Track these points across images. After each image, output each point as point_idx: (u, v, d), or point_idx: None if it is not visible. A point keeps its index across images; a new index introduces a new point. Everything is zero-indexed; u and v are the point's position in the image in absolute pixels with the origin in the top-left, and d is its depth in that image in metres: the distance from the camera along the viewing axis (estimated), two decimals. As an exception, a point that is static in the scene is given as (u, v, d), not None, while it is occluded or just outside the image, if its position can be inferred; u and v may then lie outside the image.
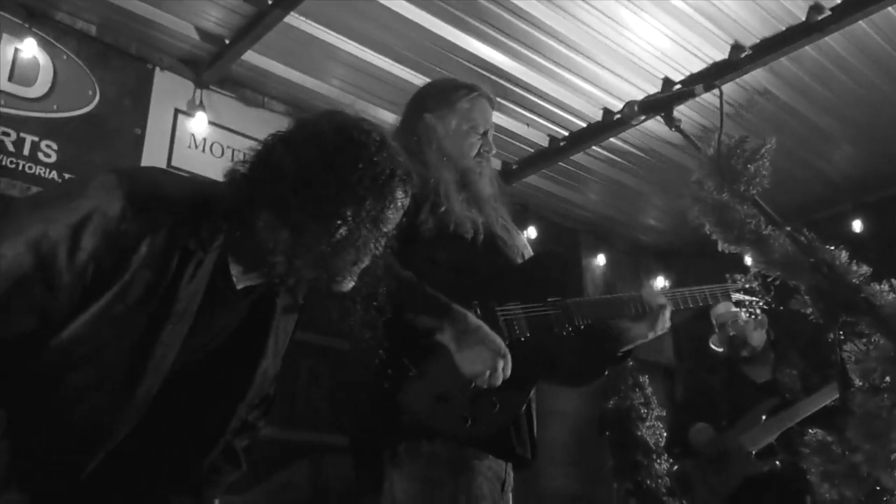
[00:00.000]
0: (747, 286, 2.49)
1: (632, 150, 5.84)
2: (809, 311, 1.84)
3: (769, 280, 1.97)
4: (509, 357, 1.87)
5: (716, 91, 2.25)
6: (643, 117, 2.39)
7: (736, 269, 7.36)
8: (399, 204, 1.58)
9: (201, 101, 4.62)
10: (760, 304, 2.50)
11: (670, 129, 2.30)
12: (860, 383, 1.67)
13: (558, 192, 6.49)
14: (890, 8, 4.21)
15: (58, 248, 1.37)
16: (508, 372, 1.87)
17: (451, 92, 2.46)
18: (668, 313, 2.27)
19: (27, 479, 1.46)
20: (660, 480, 5.37)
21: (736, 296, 2.53)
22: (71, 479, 1.50)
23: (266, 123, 4.92)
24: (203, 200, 1.51)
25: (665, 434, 5.48)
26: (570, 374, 2.21)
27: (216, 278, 1.54)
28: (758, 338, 4.47)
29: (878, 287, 1.79)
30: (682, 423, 4.51)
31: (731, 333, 4.47)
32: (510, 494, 2.13)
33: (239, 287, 1.60)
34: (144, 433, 1.56)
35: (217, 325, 1.63)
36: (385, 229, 1.56)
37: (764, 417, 4.17)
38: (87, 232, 1.39)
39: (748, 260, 7.21)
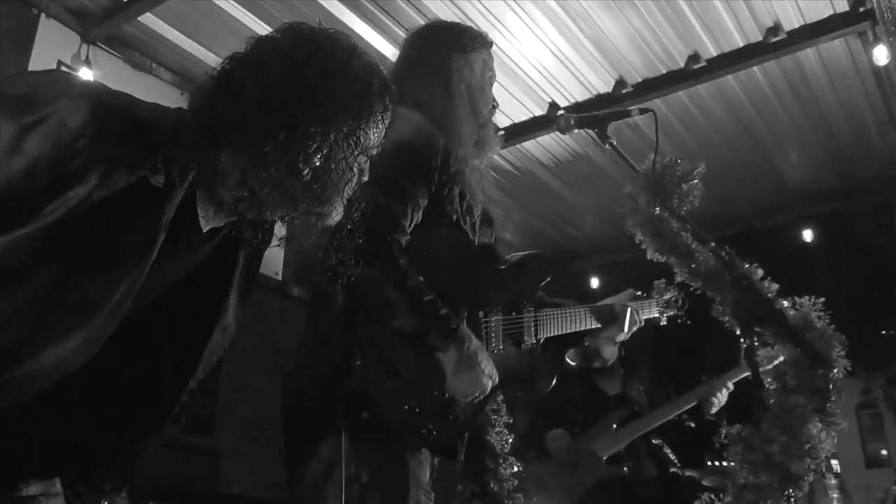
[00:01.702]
0: (669, 298, 2.66)
1: (505, 165, 6.08)
2: (726, 319, 2.07)
3: (692, 290, 2.18)
4: (497, 380, 1.92)
5: (649, 114, 2.44)
6: (576, 131, 2.52)
7: (580, 289, 7.82)
8: (379, 118, 1.39)
9: (87, 57, 4.32)
10: (671, 314, 2.68)
11: (603, 144, 2.44)
12: (773, 385, 1.90)
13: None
14: (755, 67, 4.72)
15: None
16: None
17: (475, 37, 2.29)
18: (634, 316, 2.39)
19: None
20: (504, 484, 5.59)
21: (659, 308, 2.69)
22: None
23: (153, 91, 4.68)
24: (173, 129, 1.31)
25: (510, 440, 5.72)
26: (524, 387, 2.27)
27: (181, 218, 1.34)
28: (610, 352, 4.78)
29: (784, 303, 2.05)
30: (539, 429, 4.73)
31: (587, 344, 4.74)
32: None
33: (206, 229, 1.41)
34: (86, 389, 1.35)
35: (175, 269, 1.42)
36: (365, 148, 1.38)
37: (615, 426, 4.46)
38: (34, 135, 1.15)
39: (594, 282, 7.67)
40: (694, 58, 4.74)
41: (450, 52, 2.22)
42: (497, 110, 2.38)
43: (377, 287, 1.77)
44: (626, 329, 2.46)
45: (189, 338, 1.47)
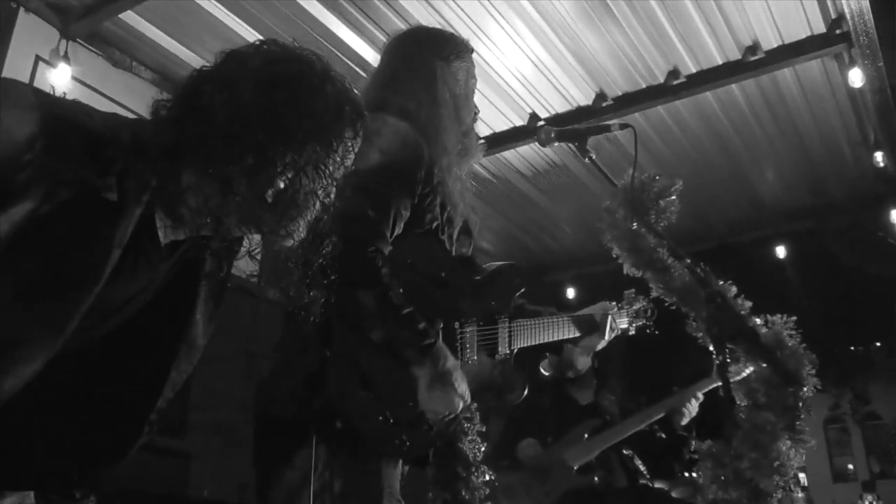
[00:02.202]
0: (639, 309, 2.68)
1: (484, 173, 6.09)
2: (700, 335, 2.09)
3: (666, 304, 2.20)
4: (469, 400, 1.91)
5: (629, 130, 2.46)
6: (557, 144, 2.54)
7: (556, 300, 7.89)
8: (349, 145, 1.35)
9: (66, 53, 4.27)
10: (640, 325, 2.70)
11: (583, 158, 2.46)
12: (745, 402, 1.92)
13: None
14: (734, 85, 4.79)
15: None
16: None
17: (458, 45, 2.26)
18: (613, 324, 2.42)
19: None
20: (476, 492, 5.59)
21: (629, 318, 2.72)
22: None
23: (131, 89, 4.65)
24: (131, 142, 1.25)
25: (483, 449, 5.73)
26: (496, 397, 2.27)
27: (140, 234, 1.28)
28: (583, 362, 4.78)
29: (757, 321, 2.08)
30: (511, 438, 4.74)
31: (562, 354, 4.76)
32: None
33: (164, 242, 1.34)
34: (49, 411, 1.32)
35: (136, 285, 1.36)
36: (333, 176, 1.34)
37: (586, 436, 4.48)
38: None
39: (570, 293, 7.70)
40: (674, 73, 4.79)
41: (434, 61, 2.20)
42: (477, 119, 2.40)
43: (357, 298, 1.76)
44: (605, 337, 2.50)
45: (155, 358, 1.43)
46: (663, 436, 4.52)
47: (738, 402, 1.94)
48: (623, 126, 2.47)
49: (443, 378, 1.86)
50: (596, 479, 4.36)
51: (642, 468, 4.48)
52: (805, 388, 1.93)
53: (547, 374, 5.00)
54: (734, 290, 2.08)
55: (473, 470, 5.25)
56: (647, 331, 2.67)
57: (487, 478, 5.12)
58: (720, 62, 4.71)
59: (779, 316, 2.07)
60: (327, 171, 1.32)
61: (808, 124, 5.35)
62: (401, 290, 1.84)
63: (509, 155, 5.72)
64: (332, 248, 1.49)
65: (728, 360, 2.04)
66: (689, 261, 2.14)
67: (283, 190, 1.28)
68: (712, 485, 1.82)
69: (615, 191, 2.30)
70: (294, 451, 1.87)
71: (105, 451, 1.43)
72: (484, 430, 6.10)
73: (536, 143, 3.83)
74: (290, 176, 1.27)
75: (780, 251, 6.37)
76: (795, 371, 1.94)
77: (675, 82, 4.83)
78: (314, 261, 1.48)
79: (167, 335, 1.43)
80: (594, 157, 2.44)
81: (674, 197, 2.22)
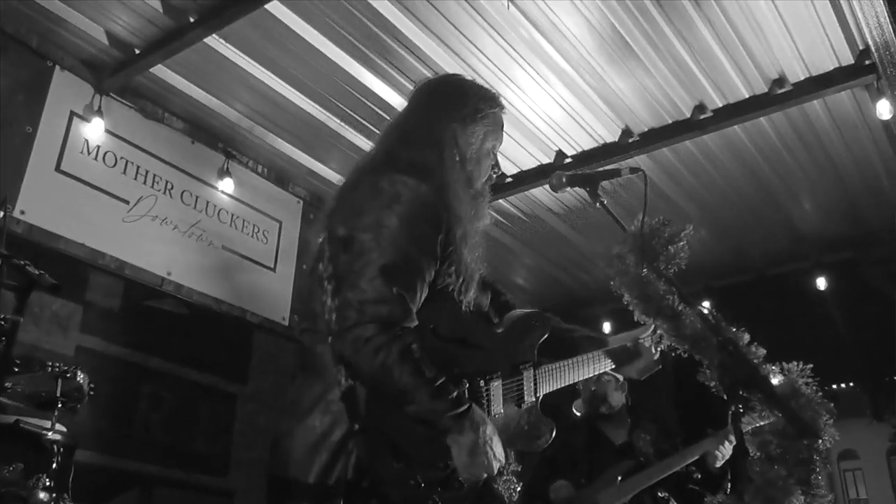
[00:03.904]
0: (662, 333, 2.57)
1: (514, 211, 6.10)
2: (713, 384, 2.05)
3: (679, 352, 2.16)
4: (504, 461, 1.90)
5: (639, 174, 2.45)
6: (569, 189, 2.53)
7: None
8: None
9: (99, 108, 4.42)
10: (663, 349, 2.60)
11: (594, 203, 2.45)
12: (757, 454, 1.87)
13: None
14: (762, 118, 4.72)
15: None
16: None
17: (480, 101, 2.19)
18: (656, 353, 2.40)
19: None
20: (511, 534, 5.50)
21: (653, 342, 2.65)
22: None
23: (163, 139, 4.79)
24: None
25: (517, 489, 5.65)
26: (525, 444, 2.24)
27: None
28: (617, 398, 4.73)
29: (771, 367, 2.03)
30: (543, 478, 4.68)
31: (593, 389, 4.70)
32: None
33: None
34: None
35: None
36: None
37: (619, 478, 4.39)
38: None
39: (607, 327, 7.61)
40: (700, 108, 4.75)
41: (449, 122, 2.14)
42: (502, 160, 2.37)
43: (391, 375, 1.75)
44: (642, 367, 2.48)
45: None
46: (699, 476, 4.41)
47: (752, 455, 1.88)
48: (634, 170, 2.45)
49: (483, 446, 1.83)
50: (629, 522, 4.26)
51: (678, 511, 4.37)
52: (821, 440, 1.86)
53: (579, 413, 4.94)
54: (747, 337, 2.04)
55: (507, 511, 5.12)
56: (674, 353, 2.58)
57: (522, 519, 5.01)
58: (747, 96, 4.65)
59: (795, 363, 2.01)
60: None
61: (841, 154, 5.24)
62: (429, 360, 1.82)
63: (538, 192, 5.71)
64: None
65: (742, 410, 1.99)
66: (699, 307, 2.11)
67: None
68: (723, 541, 1.77)
69: (624, 236, 2.27)
70: None
71: None
72: (519, 469, 6.05)
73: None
74: None
75: (820, 282, 6.21)
76: (811, 422, 1.88)
77: (702, 117, 4.78)
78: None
79: None
80: (605, 203, 2.43)
81: (684, 242, 2.19)
